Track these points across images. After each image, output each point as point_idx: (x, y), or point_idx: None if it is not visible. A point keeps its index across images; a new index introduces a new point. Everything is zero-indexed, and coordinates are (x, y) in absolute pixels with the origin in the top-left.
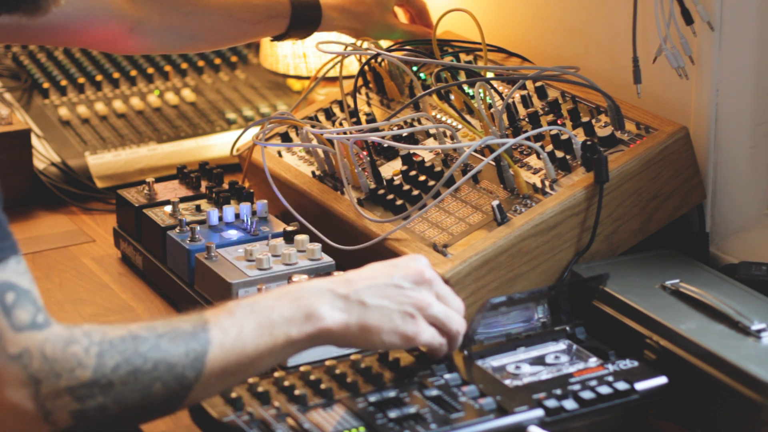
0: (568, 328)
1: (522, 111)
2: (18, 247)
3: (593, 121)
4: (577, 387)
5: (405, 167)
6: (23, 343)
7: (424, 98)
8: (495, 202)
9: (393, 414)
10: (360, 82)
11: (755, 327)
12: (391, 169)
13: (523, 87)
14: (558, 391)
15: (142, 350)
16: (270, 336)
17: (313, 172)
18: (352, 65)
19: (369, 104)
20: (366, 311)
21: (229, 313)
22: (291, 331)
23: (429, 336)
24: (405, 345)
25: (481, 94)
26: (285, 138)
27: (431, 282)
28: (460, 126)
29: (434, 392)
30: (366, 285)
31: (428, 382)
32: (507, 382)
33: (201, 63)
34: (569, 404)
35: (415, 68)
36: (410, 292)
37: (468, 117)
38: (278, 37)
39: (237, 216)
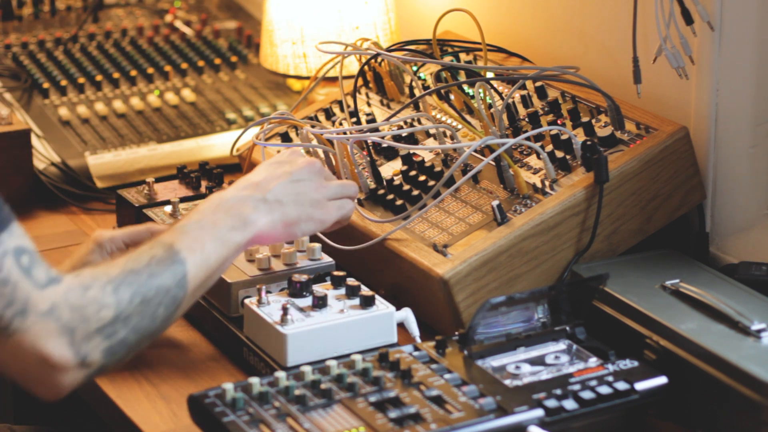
0: (568, 328)
1: (522, 111)
2: (12, 213)
3: (593, 121)
4: (577, 387)
5: (405, 167)
6: (50, 298)
7: (424, 98)
8: (495, 202)
9: (393, 414)
10: (360, 82)
11: (755, 327)
12: (391, 169)
13: (523, 87)
14: (558, 391)
15: (143, 280)
16: (224, 246)
17: None
18: (352, 65)
19: (369, 104)
20: (284, 208)
21: (184, 233)
22: (237, 239)
23: (337, 212)
24: (321, 228)
25: (481, 94)
26: (285, 138)
27: (317, 168)
28: (460, 126)
29: (434, 392)
30: (275, 185)
31: (428, 382)
32: (507, 382)
33: (201, 63)
34: (569, 404)
35: (415, 68)
36: (310, 183)
37: (468, 117)
38: None
39: None
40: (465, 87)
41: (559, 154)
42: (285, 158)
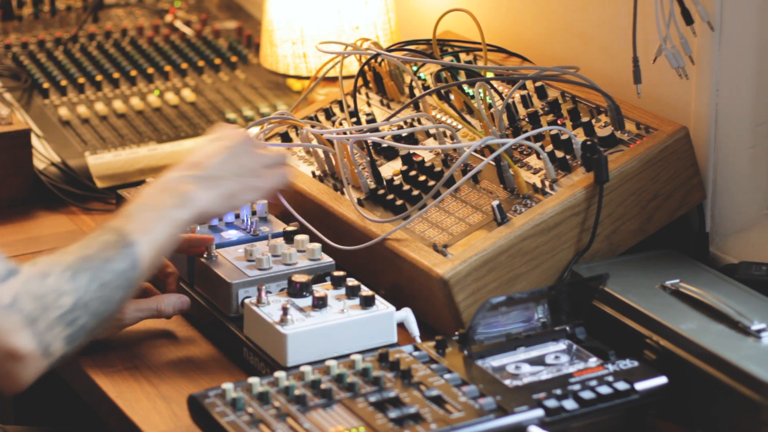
0: (568, 328)
1: (522, 111)
2: None
3: (593, 121)
4: (577, 387)
5: (405, 167)
6: (11, 290)
7: (424, 98)
8: (495, 202)
9: (393, 414)
10: (360, 82)
11: (755, 327)
12: (391, 169)
13: (523, 87)
14: (558, 391)
15: (98, 265)
16: (171, 225)
17: (313, 172)
18: (352, 65)
19: (369, 104)
20: (225, 181)
21: (130, 216)
22: (182, 217)
23: (273, 179)
24: (261, 196)
25: (481, 94)
26: (285, 138)
27: (251, 141)
28: (460, 126)
29: (434, 392)
30: (214, 162)
31: (428, 382)
32: (507, 382)
33: (201, 63)
34: (569, 404)
35: (415, 68)
36: (246, 156)
37: (468, 117)
38: None
39: (237, 216)
40: (465, 87)
41: (559, 154)
42: (219, 134)
